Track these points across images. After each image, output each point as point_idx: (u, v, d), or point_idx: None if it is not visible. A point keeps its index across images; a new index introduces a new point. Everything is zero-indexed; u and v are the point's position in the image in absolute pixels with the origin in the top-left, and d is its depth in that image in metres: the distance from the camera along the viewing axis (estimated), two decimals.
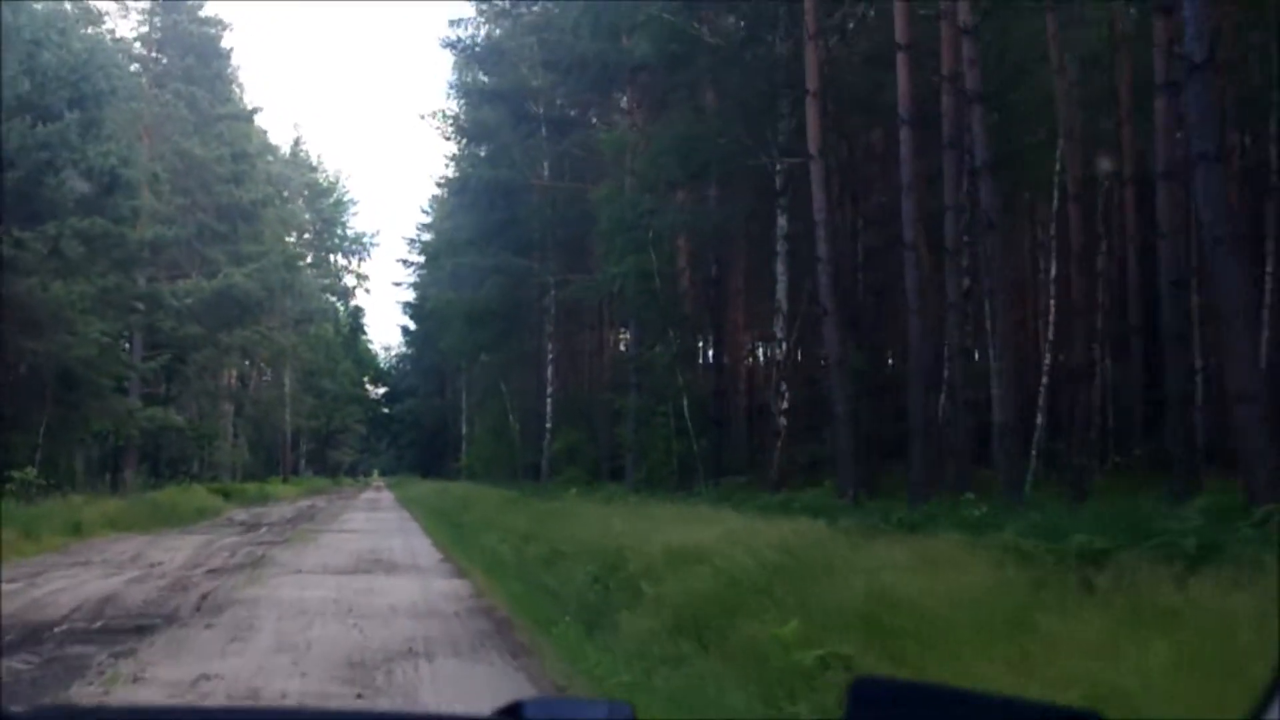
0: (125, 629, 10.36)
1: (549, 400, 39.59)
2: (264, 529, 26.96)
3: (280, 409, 71.32)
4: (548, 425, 38.94)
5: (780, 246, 25.22)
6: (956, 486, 17.15)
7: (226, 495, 44.14)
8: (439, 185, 57.78)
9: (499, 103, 37.68)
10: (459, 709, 4.63)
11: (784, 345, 25.02)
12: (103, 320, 27.17)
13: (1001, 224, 18.40)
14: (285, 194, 66.51)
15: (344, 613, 11.02)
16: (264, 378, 71.79)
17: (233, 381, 61.74)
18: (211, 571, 15.74)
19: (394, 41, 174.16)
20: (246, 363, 69.23)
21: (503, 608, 11.50)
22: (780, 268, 25.26)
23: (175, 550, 19.40)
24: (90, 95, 27.05)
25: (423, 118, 43.21)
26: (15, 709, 1.55)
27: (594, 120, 39.23)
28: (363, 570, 15.73)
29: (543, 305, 40.60)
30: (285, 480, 69.80)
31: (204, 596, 12.59)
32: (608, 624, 10.33)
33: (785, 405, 24.76)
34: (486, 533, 21.93)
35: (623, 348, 42.03)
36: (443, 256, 51.15)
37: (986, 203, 16.99)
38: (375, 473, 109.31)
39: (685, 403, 26.58)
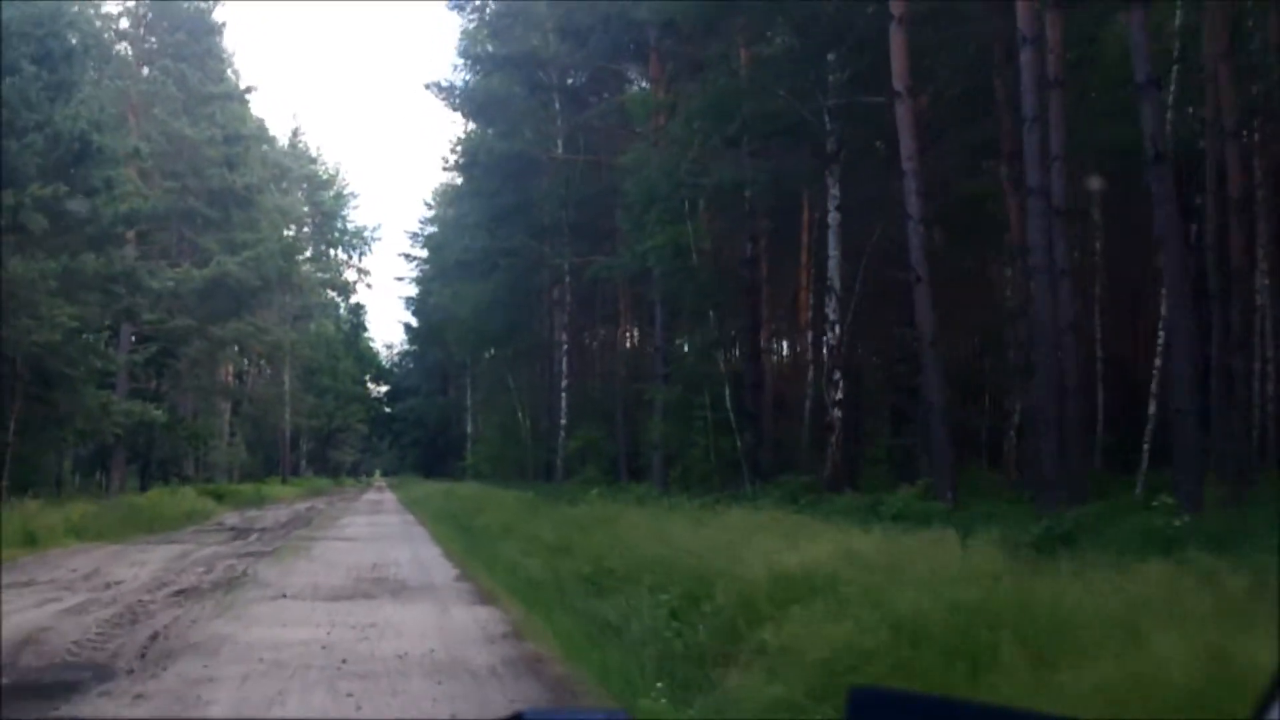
0: (25, 690, 7.26)
1: (563, 395, 36.41)
2: (254, 536, 23.82)
3: (279, 408, 68.14)
4: (562, 422, 35.77)
5: (832, 218, 22.08)
6: (1071, 487, 14.04)
7: (219, 497, 41.05)
8: (445, 169, 54.54)
9: (510, 70, 34.42)
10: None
11: (837, 329, 21.86)
12: (73, 304, 23.93)
13: None
14: (284, 185, 63.35)
15: (335, 667, 7.88)
16: (262, 375, 68.56)
17: (229, 378, 58.59)
18: (176, 595, 12.61)
19: (395, 35, 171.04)
20: (244, 360, 66.26)
21: (554, 658, 8.34)
22: (832, 241, 22.11)
23: (142, 565, 16.26)
24: (59, 54, 23.87)
25: (427, 88, 39.35)
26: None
27: (607, 96, 36.07)
28: (362, 594, 12.55)
29: (556, 295, 37.45)
30: (285, 481, 66.65)
31: (154, 636, 9.45)
32: (705, 683, 7.25)
33: (839, 396, 21.64)
34: (505, 542, 18.82)
35: (635, 342, 38.93)
36: (448, 245, 48.12)
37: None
38: (377, 473, 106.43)
39: (727, 393, 23.42)
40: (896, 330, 23.67)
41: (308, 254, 67.68)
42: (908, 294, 17.93)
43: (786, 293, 31.53)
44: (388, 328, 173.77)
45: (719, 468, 23.43)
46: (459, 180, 50.39)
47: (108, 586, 13.44)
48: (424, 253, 70.28)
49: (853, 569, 8.39)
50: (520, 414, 46.70)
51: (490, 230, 36.26)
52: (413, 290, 73.18)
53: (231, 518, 32.38)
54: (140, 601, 11.84)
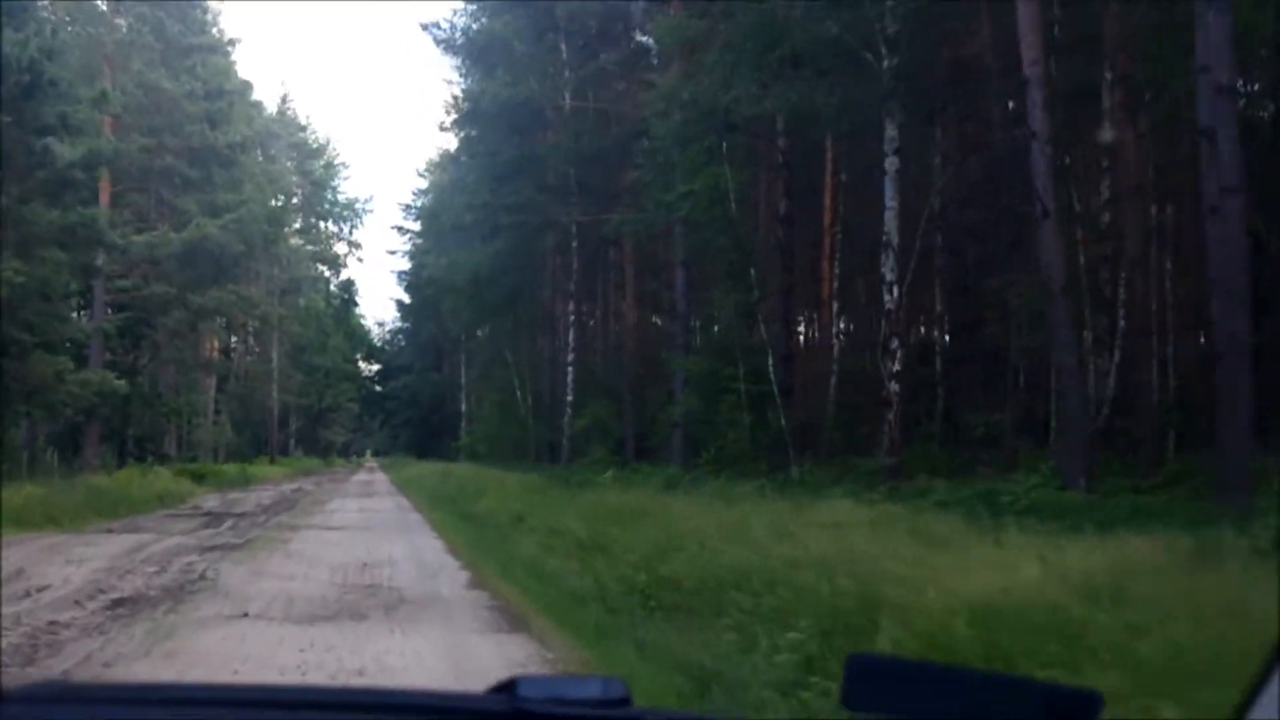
0: None
1: (569, 369, 33.35)
2: (228, 523, 20.79)
3: (267, 385, 65.05)
4: (568, 398, 32.70)
5: (890, 164, 19.02)
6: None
7: (200, 477, 37.97)
8: (443, 129, 51.25)
9: (515, 6, 31.16)
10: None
11: (895, 290, 18.81)
12: (24, 259, 20.81)
13: None
14: (272, 152, 60.02)
15: None
16: (250, 352, 65.43)
17: (214, 353, 55.40)
18: (109, 609, 9.61)
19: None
20: (231, 336, 63.12)
21: None
22: (889, 191, 19.03)
23: (84, 561, 13.20)
24: None
25: (425, 29, 36.17)
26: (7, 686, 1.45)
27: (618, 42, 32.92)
28: (349, 610, 9.48)
29: (561, 261, 34.38)
30: (273, 461, 63.57)
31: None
32: None
33: (897, 367, 18.63)
34: (519, 534, 15.90)
35: (639, 316, 35.86)
36: (444, 210, 44.94)
37: None
38: (368, 453, 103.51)
39: (770, 363, 20.39)
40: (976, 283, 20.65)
41: (296, 225, 64.50)
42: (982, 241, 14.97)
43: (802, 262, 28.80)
44: (379, 305, 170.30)
45: (750, 447, 20.44)
46: (454, 146, 47.37)
47: (26, 595, 10.41)
48: (417, 225, 67.15)
49: (1096, 607, 5.42)
50: (519, 391, 43.72)
51: (492, 189, 33.07)
52: (405, 264, 70.02)
53: (210, 500, 29.33)
54: (53, 624, 8.81)
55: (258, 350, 66.52)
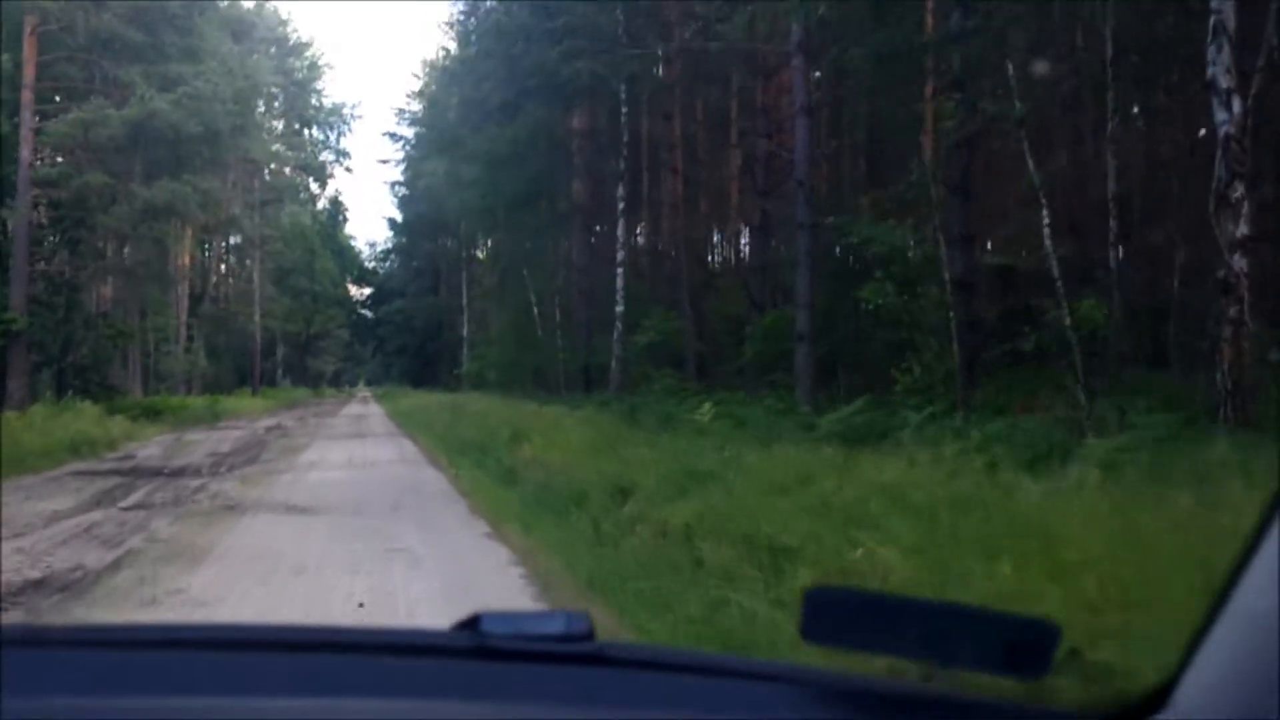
0: None
1: (619, 272, 25.34)
2: (140, 492, 12.84)
3: (248, 309, 56.83)
4: (618, 308, 24.71)
5: None
6: None
7: (156, 414, 30.11)
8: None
9: None
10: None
11: (1234, 106, 10.83)
12: None
13: None
14: (247, 46, 51.15)
15: None
16: (230, 271, 57.03)
17: (183, 269, 47.13)
18: None
19: None
20: (205, 251, 54.72)
21: None
22: None
23: None
24: None
25: None
26: None
27: None
28: None
29: (608, 135, 26.26)
30: (254, 393, 55.57)
31: None
32: None
33: (1243, 230, 10.70)
34: (674, 547, 7.99)
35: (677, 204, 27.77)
36: (452, 95, 36.78)
37: None
38: (361, 382, 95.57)
39: (945, 265, 12.34)
40: None
41: (278, 128, 55.88)
42: None
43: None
44: (370, 224, 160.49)
45: (943, 379, 12.45)
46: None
47: None
48: (412, 131, 58.86)
49: None
50: (537, 309, 35.83)
51: (516, 52, 24.94)
52: (399, 174, 61.74)
53: (151, 447, 21.46)
54: None
55: (237, 269, 58.29)
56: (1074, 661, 3.34)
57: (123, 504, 11.32)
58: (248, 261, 57.01)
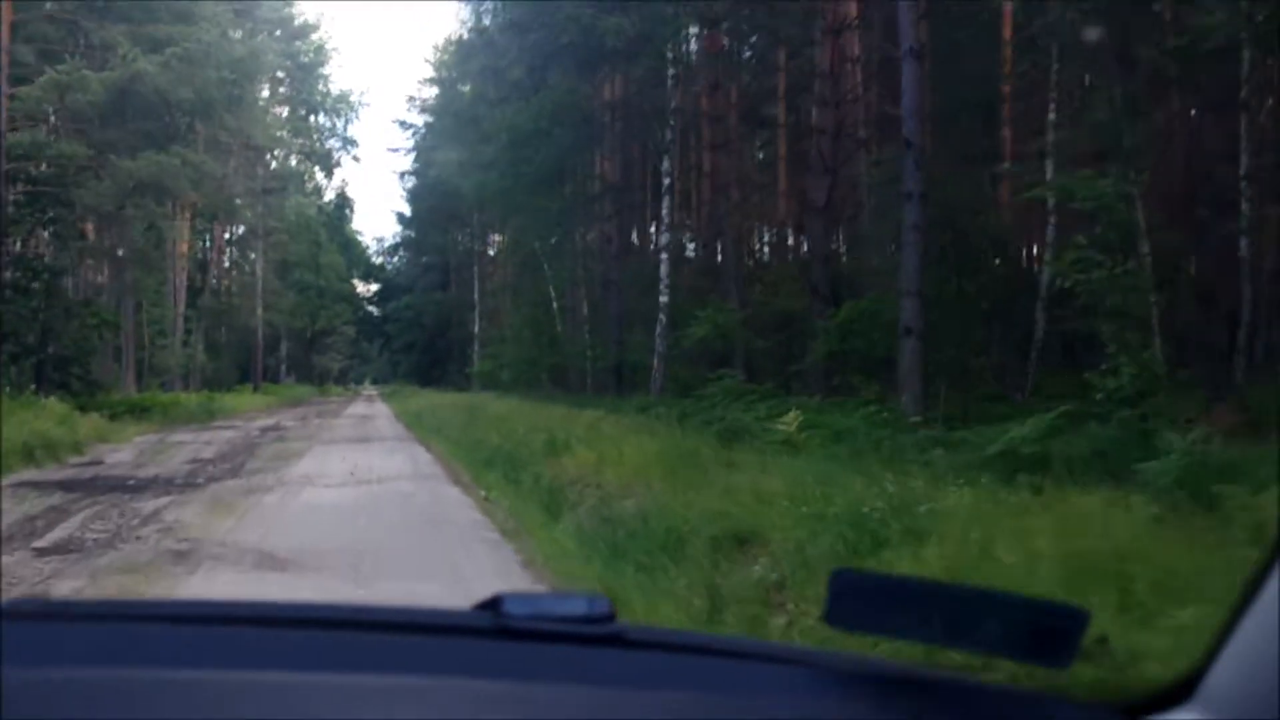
0: None
1: (663, 259, 22.14)
2: (80, 515, 9.78)
3: (251, 302, 53.69)
4: (662, 299, 21.52)
5: None
6: None
7: (142, 411, 27.17)
8: None
9: None
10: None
11: None
12: None
13: None
14: (249, 26, 48.00)
15: None
16: (233, 264, 53.81)
17: (181, 257, 44.03)
18: None
19: None
20: (207, 239, 51.63)
21: None
22: None
23: None
24: None
25: None
26: None
27: None
28: None
29: (652, 106, 23.15)
30: (256, 389, 52.42)
31: None
32: None
33: None
34: None
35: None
36: (471, 66, 33.82)
37: None
38: (367, 380, 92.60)
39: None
40: None
41: (283, 113, 52.70)
42: None
43: None
44: (377, 219, 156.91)
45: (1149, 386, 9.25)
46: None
47: None
48: (422, 120, 55.80)
49: None
50: (556, 303, 32.89)
51: (550, 11, 21.88)
52: (409, 164, 58.66)
53: (123, 451, 18.40)
54: None
55: (239, 261, 55.15)
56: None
57: (38, 543, 8.18)
58: (251, 255, 53.86)
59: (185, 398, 34.27)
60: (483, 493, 11.92)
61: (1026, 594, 1.34)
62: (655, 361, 21.27)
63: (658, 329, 21.16)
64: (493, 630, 1.29)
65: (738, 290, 21.73)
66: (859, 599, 1.39)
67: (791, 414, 12.73)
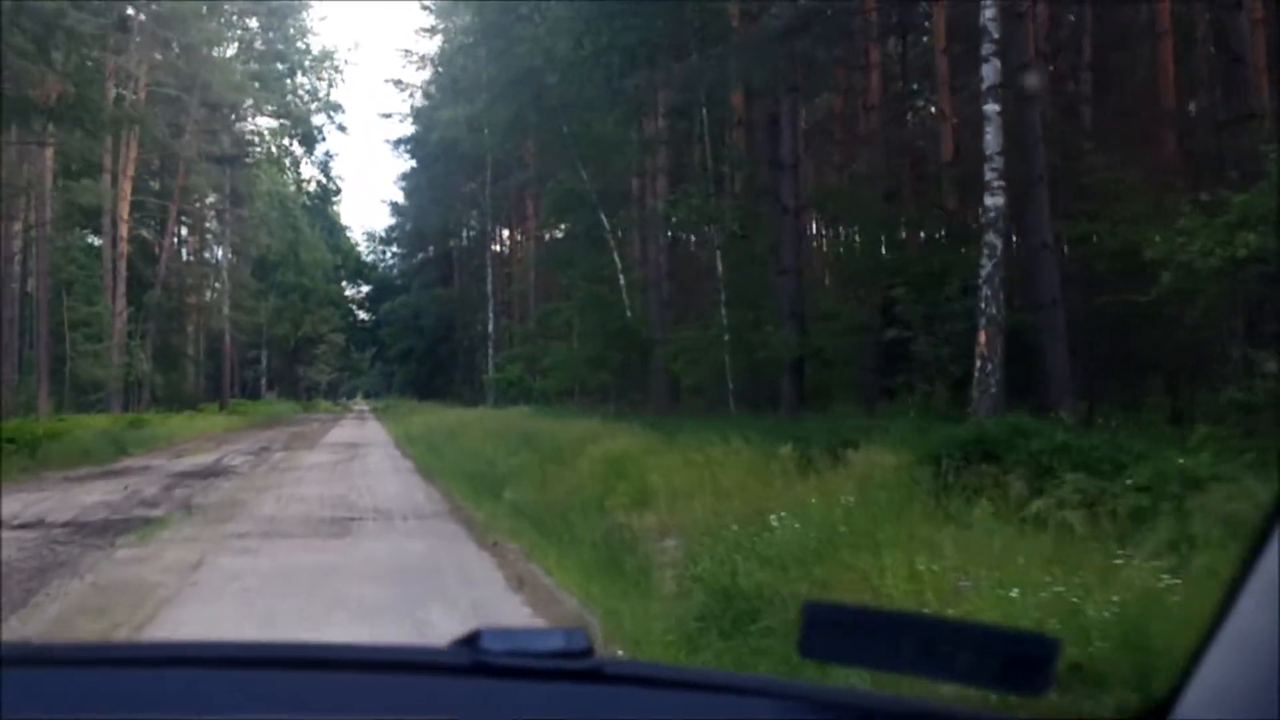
0: None
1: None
2: None
3: (216, 299, 43.13)
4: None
5: None
6: None
7: (33, 447, 17.00)
8: None
9: None
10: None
11: None
12: None
13: None
14: None
15: None
16: (181, 246, 43.01)
17: (123, 243, 33.68)
18: None
19: None
20: (154, 221, 41.01)
21: None
22: None
23: None
24: None
25: None
26: None
27: None
28: None
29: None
30: (222, 407, 41.91)
31: None
32: None
33: None
34: None
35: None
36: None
37: None
38: (359, 395, 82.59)
39: None
40: None
41: (253, 65, 42.09)
42: None
43: None
44: (366, 212, 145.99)
45: None
46: None
47: None
48: (421, 77, 45.95)
49: None
50: (623, 278, 22.72)
51: None
52: (406, 129, 48.94)
53: None
54: None
55: (197, 248, 44.52)
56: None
57: None
58: (211, 239, 43.48)
59: (92, 421, 23.80)
60: None
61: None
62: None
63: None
64: (470, 667, 1.27)
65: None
66: (831, 630, 1.36)
67: None
